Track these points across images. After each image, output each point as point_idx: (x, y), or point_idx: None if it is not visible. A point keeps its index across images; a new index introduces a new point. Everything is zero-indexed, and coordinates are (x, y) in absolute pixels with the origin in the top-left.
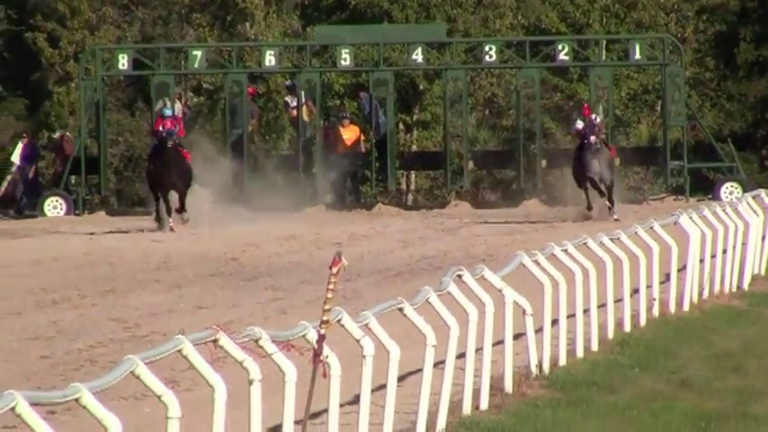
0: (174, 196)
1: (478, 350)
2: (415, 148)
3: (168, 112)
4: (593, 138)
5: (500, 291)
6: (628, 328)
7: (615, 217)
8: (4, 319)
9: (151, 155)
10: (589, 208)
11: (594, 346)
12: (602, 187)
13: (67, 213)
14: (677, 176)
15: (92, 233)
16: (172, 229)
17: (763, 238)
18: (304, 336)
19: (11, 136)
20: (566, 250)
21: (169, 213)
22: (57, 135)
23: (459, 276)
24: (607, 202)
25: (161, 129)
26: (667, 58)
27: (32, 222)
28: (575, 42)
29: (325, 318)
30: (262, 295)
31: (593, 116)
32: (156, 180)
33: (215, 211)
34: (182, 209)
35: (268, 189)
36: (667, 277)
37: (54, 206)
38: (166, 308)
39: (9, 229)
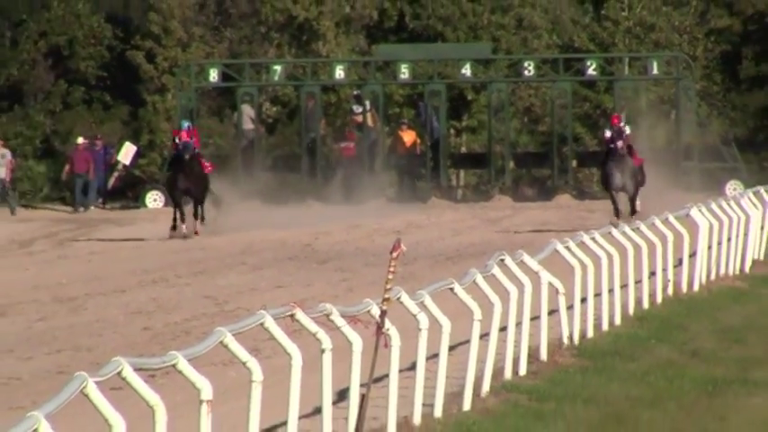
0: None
1: (518, 324)
2: (463, 149)
3: (186, 125)
4: (619, 143)
5: (537, 273)
6: (646, 305)
7: (637, 209)
8: (111, 296)
9: (171, 165)
10: (617, 214)
11: (618, 321)
12: (626, 191)
13: (165, 205)
14: (689, 174)
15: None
16: (196, 233)
17: (762, 228)
18: (368, 311)
19: (118, 138)
20: (593, 238)
21: (183, 220)
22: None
23: (502, 260)
24: (629, 208)
25: (177, 141)
26: (680, 74)
27: (135, 213)
28: (602, 59)
29: (386, 296)
30: (332, 276)
31: (622, 125)
32: (174, 188)
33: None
34: (197, 214)
35: (338, 184)
36: (680, 262)
37: (154, 199)
38: (250, 287)
39: (115, 219)
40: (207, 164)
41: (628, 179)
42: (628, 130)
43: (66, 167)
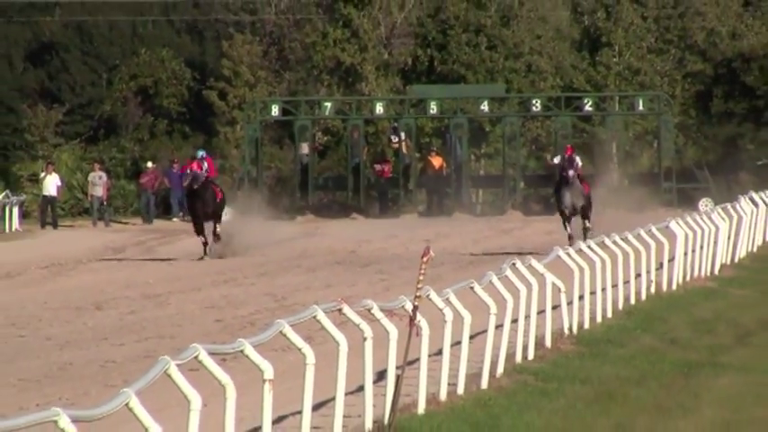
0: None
1: (527, 317)
2: (482, 172)
3: (200, 154)
4: (571, 172)
5: (542, 275)
6: (633, 301)
7: (589, 227)
8: (190, 294)
9: (187, 195)
10: (569, 237)
11: (609, 314)
12: (577, 214)
13: (235, 217)
14: (668, 194)
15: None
16: (218, 240)
17: (729, 237)
18: (403, 306)
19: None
20: (589, 246)
21: (216, 238)
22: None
23: (514, 264)
24: (585, 225)
25: (189, 171)
26: (661, 109)
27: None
28: (596, 98)
29: (417, 293)
30: (372, 277)
31: (574, 155)
32: (195, 215)
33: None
34: (215, 236)
35: (377, 201)
36: (661, 265)
37: (225, 212)
38: (304, 286)
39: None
40: (218, 190)
41: (578, 203)
42: (578, 160)
43: (139, 184)
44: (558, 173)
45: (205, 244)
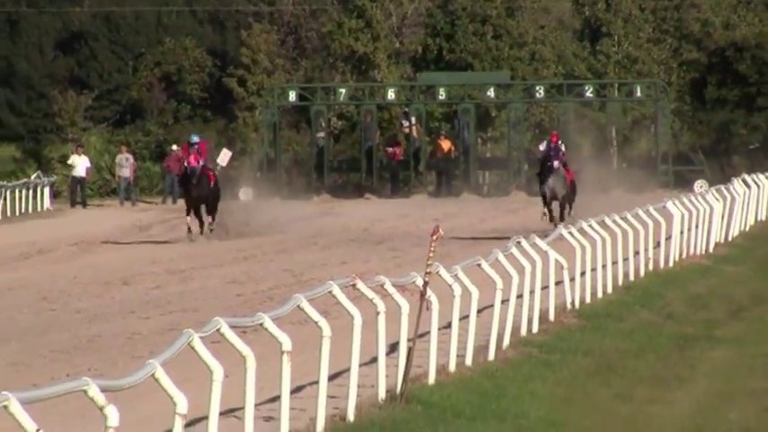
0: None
1: (531, 292)
2: (488, 155)
3: (195, 139)
4: (556, 162)
5: (546, 252)
6: (632, 278)
7: (570, 213)
8: (212, 270)
9: (180, 181)
10: (551, 219)
11: (609, 290)
12: (557, 199)
13: (254, 198)
14: (665, 176)
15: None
16: (212, 231)
17: (723, 217)
18: (414, 282)
19: (215, 145)
20: (590, 225)
21: (201, 226)
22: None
23: (519, 243)
24: (564, 212)
25: (186, 165)
26: (658, 96)
27: (230, 204)
28: (596, 85)
29: (427, 270)
30: (385, 254)
31: (560, 143)
32: (187, 200)
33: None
34: (211, 219)
35: (389, 182)
36: (658, 244)
37: (244, 193)
38: (321, 262)
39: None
40: (212, 175)
41: (560, 190)
42: (563, 147)
43: (164, 166)
44: (542, 160)
45: (190, 230)
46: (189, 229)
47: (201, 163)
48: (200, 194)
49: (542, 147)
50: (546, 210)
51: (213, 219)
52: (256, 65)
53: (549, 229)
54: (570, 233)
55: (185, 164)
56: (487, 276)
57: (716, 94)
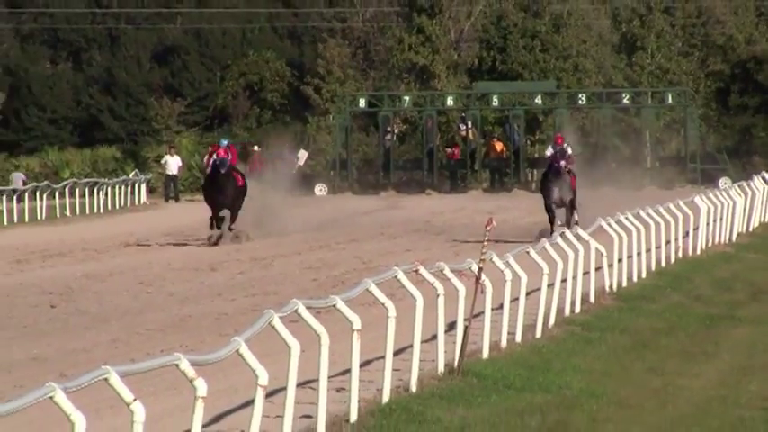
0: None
1: (574, 277)
2: (536, 155)
3: (224, 142)
4: (562, 162)
5: (587, 241)
6: (663, 264)
7: (577, 219)
8: (290, 257)
9: (207, 179)
10: (551, 226)
11: (644, 275)
12: (563, 206)
13: (328, 194)
14: (693, 174)
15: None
16: (231, 231)
17: (744, 210)
18: (469, 268)
19: (293, 146)
20: (627, 218)
21: (219, 227)
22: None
23: (563, 233)
24: (564, 222)
25: (215, 157)
26: (687, 103)
27: (308, 198)
28: (632, 93)
29: (482, 257)
30: (444, 243)
31: (565, 145)
32: (210, 200)
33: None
34: (232, 222)
35: (448, 179)
36: (687, 234)
37: (320, 189)
38: (387, 250)
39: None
40: (239, 176)
41: (565, 195)
42: (570, 150)
43: (246, 167)
44: (549, 163)
45: (218, 226)
46: (211, 226)
47: (229, 158)
48: (223, 202)
49: (549, 151)
50: (552, 226)
51: (233, 220)
52: (330, 75)
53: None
54: (609, 224)
55: (214, 157)
56: (535, 263)
57: (738, 101)
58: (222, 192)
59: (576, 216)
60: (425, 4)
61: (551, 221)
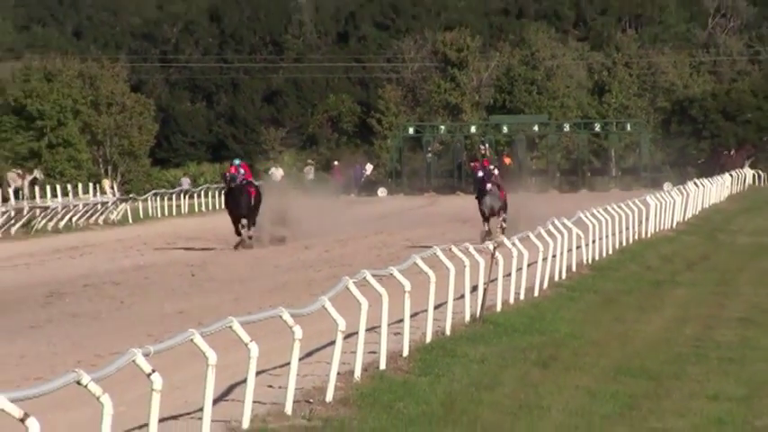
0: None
1: (561, 253)
2: (534, 167)
3: (237, 162)
4: (489, 185)
5: (570, 228)
6: (624, 244)
7: (504, 226)
8: (359, 240)
9: (226, 194)
10: (488, 233)
11: (611, 252)
12: (495, 214)
13: (387, 195)
14: (645, 180)
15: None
16: (250, 239)
17: (682, 205)
18: (487, 247)
19: (363, 161)
20: (598, 211)
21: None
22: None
23: (553, 222)
24: (502, 224)
25: (227, 174)
26: (641, 130)
27: (373, 198)
28: (602, 122)
29: (496, 239)
30: (470, 230)
31: (492, 167)
32: (231, 212)
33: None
34: (249, 227)
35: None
36: (641, 222)
37: (381, 191)
38: (428, 235)
39: (364, 201)
40: (252, 190)
41: (496, 206)
42: (496, 171)
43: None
44: (478, 183)
45: (239, 233)
46: (238, 232)
47: (242, 173)
48: (240, 213)
49: (480, 173)
50: (485, 226)
51: (251, 228)
52: (388, 110)
53: (488, 240)
54: (585, 216)
55: (227, 174)
56: (534, 243)
57: (677, 128)
58: (239, 205)
59: (504, 222)
60: (456, 61)
61: (486, 221)
